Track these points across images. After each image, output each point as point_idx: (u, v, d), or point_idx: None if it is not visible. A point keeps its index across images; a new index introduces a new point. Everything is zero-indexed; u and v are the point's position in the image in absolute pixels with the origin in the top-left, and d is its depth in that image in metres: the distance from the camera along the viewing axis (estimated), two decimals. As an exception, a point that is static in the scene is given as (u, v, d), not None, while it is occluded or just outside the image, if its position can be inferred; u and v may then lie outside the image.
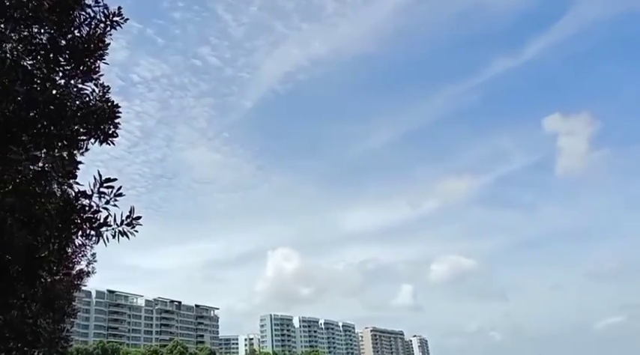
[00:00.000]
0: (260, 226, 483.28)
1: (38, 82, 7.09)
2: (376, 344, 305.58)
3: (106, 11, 7.54)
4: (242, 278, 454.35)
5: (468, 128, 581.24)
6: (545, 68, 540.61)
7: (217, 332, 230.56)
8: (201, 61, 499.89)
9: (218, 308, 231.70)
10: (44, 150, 7.36)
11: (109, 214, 7.06)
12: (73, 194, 7.33)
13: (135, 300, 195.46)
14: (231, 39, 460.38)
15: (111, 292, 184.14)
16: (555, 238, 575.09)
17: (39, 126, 7.06)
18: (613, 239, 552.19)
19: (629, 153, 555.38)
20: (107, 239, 7.09)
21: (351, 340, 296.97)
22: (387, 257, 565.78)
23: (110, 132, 7.89)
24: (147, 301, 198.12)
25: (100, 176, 7.05)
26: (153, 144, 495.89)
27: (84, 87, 7.70)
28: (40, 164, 7.27)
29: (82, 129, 7.74)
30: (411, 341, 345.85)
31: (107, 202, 7.02)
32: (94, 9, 7.50)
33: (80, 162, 8.34)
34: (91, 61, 7.51)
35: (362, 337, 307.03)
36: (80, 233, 7.27)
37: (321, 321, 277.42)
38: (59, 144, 7.56)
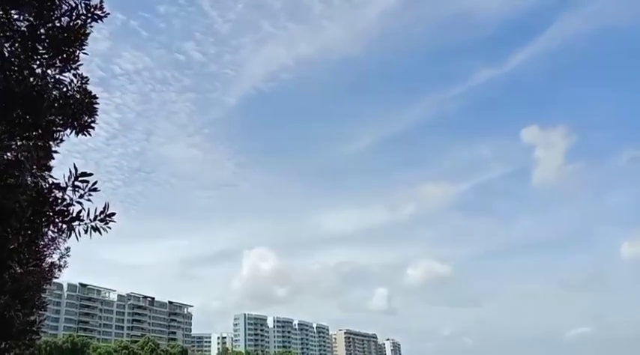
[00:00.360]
0: (238, 225, 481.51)
1: (15, 69, 6.90)
2: (349, 346, 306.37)
3: (87, 3, 7.39)
4: (217, 277, 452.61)
5: (448, 135, 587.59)
6: (525, 80, 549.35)
7: (190, 330, 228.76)
8: (184, 55, 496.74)
9: (192, 306, 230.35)
10: (18, 139, 7.18)
11: (83, 208, 6.92)
12: (47, 186, 7.17)
13: (107, 295, 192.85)
14: (217, 35, 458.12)
15: (83, 285, 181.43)
16: (530, 247, 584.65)
17: (14, 115, 6.88)
18: (585, 250, 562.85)
19: (602, 167, 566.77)
20: (79, 234, 6.94)
21: (324, 342, 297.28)
22: (364, 260, 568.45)
23: (87, 123, 7.74)
24: (119, 296, 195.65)
25: (76, 169, 6.90)
26: (132, 138, 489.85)
27: (62, 77, 7.54)
28: (14, 153, 7.10)
29: (58, 120, 7.58)
30: (384, 344, 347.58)
31: (81, 196, 6.88)
32: (76, 0, 7.35)
33: (55, 152, 8.19)
34: (71, 51, 7.35)
35: (335, 339, 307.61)
36: (52, 226, 7.11)
37: (296, 322, 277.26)
38: (34, 134, 7.39)
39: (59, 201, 6.89)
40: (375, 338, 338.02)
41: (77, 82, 7.71)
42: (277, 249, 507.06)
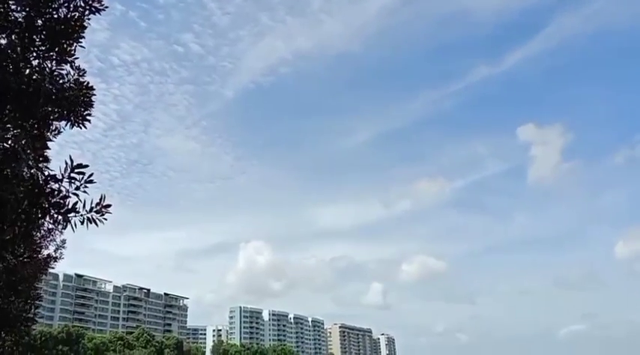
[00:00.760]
0: (234, 218, 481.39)
1: (12, 61, 6.92)
2: (344, 340, 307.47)
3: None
4: (213, 269, 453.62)
5: (445, 132, 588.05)
6: (522, 78, 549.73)
7: (185, 322, 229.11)
8: (183, 47, 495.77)
9: (188, 298, 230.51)
10: (14, 130, 7.20)
11: (79, 200, 6.95)
12: (43, 177, 7.20)
13: (103, 286, 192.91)
14: (215, 27, 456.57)
15: (79, 276, 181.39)
16: (525, 245, 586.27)
17: (9, 107, 6.90)
18: (580, 249, 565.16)
19: (598, 166, 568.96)
20: (75, 225, 6.98)
21: (319, 335, 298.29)
22: (359, 255, 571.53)
23: (83, 115, 7.77)
24: (115, 287, 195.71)
25: (72, 161, 6.93)
26: (129, 129, 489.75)
27: (59, 69, 7.56)
28: (10, 144, 7.12)
29: (54, 112, 7.60)
30: (378, 339, 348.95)
31: (77, 188, 6.90)
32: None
33: (51, 140, 8.22)
34: (68, 43, 7.37)
35: (330, 333, 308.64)
36: (47, 217, 7.14)
37: (291, 316, 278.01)
38: (30, 124, 7.41)
39: (55, 192, 6.92)
40: (370, 332, 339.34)
41: (74, 74, 7.74)
42: (273, 242, 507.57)
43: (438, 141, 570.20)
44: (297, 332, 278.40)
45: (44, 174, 7.12)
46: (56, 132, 8.32)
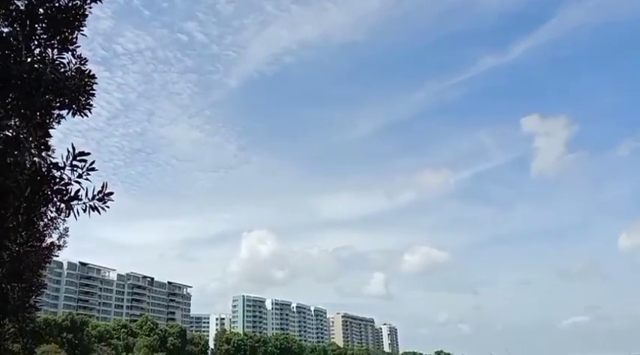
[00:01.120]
0: (237, 207, 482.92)
1: (13, 49, 6.94)
2: (346, 330, 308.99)
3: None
4: (216, 258, 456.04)
5: (449, 123, 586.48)
6: (527, 69, 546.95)
7: (189, 310, 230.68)
8: (187, 36, 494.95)
9: (191, 287, 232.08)
10: (17, 118, 7.24)
11: (81, 188, 7.00)
12: (45, 165, 7.25)
13: (107, 274, 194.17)
14: (219, 16, 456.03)
15: (83, 264, 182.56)
16: (528, 236, 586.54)
17: (11, 95, 6.93)
18: (583, 240, 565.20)
19: (603, 158, 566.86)
20: (77, 213, 7.03)
21: (322, 325, 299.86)
22: (362, 245, 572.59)
23: (85, 104, 7.79)
24: (119, 275, 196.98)
25: (74, 149, 6.97)
26: (133, 118, 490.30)
27: (60, 57, 7.57)
28: (13, 132, 7.16)
29: (56, 100, 7.62)
30: (381, 328, 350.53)
31: (79, 176, 6.95)
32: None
33: (52, 128, 8.25)
34: (69, 31, 7.37)
35: (333, 322, 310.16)
36: (50, 205, 7.20)
37: (294, 305, 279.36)
38: (32, 113, 7.44)
39: (57, 180, 6.97)
40: (373, 322, 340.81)
41: (75, 62, 7.75)
42: (276, 232, 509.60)
43: (442, 132, 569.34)
44: (299, 322, 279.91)
45: (46, 162, 7.16)
46: (58, 120, 8.36)
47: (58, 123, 8.48)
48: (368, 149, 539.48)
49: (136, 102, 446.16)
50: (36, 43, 7.28)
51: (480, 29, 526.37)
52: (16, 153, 6.82)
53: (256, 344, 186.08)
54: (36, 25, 7.20)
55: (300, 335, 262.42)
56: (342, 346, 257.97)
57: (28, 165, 7.04)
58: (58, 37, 7.36)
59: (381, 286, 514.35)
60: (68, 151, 6.92)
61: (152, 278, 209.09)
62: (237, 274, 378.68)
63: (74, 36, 7.51)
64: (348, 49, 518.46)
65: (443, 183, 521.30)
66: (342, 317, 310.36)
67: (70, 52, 7.70)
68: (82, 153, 6.90)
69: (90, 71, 7.96)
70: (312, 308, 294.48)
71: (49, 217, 16.82)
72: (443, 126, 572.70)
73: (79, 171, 6.91)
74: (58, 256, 22.22)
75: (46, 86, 7.33)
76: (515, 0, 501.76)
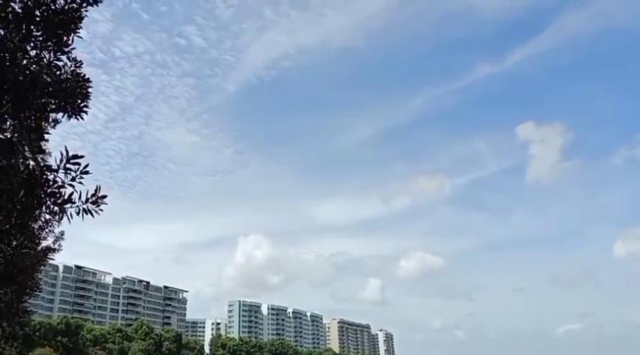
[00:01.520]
0: (234, 211, 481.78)
1: (9, 51, 6.92)
2: (342, 335, 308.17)
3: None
4: (212, 263, 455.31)
5: (445, 130, 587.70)
6: (524, 76, 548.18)
7: (185, 315, 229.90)
8: (185, 40, 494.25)
9: (187, 291, 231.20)
10: (11, 121, 7.22)
11: (75, 191, 6.98)
12: (39, 168, 7.22)
13: (102, 278, 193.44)
14: (218, 20, 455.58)
15: (78, 268, 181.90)
16: (523, 243, 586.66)
17: (7, 97, 6.91)
18: (577, 248, 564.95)
19: (598, 166, 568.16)
20: (71, 216, 7.00)
21: (318, 330, 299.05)
22: (357, 250, 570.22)
23: (80, 107, 7.77)
24: (115, 279, 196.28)
25: (67, 152, 6.95)
26: (130, 121, 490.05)
27: (56, 60, 7.56)
28: (7, 135, 7.14)
29: (51, 103, 7.61)
30: (377, 334, 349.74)
31: (73, 179, 6.93)
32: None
33: (47, 132, 8.23)
34: (65, 34, 7.37)
35: (329, 328, 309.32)
36: (43, 208, 7.17)
37: (290, 310, 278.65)
38: (27, 116, 7.42)
39: (51, 183, 6.95)
40: (369, 328, 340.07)
41: (71, 65, 7.74)
42: (272, 237, 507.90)
43: (438, 139, 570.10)
44: (295, 327, 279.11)
45: (40, 165, 7.14)
46: (53, 123, 8.35)
47: (54, 127, 8.48)
48: (364, 154, 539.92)
49: (133, 105, 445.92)
50: (32, 45, 7.27)
51: (478, 36, 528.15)
52: (9, 155, 6.80)
53: (252, 349, 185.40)
54: (32, 28, 7.19)
55: (296, 341, 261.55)
56: (338, 352, 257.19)
57: (22, 168, 7.02)
58: (53, 40, 7.35)
59: (376, 291, 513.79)
60: (62, 154, 6.91)
61: (148, 283, 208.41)
62: (232, 279, 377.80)
63: (70, 39, 7.51)
64: (346, 54, 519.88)
65: (438, 189, 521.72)
66: (339, 322, 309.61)
67: (65, 55, 7.70)
68: (75, 157, 6.88)
69: (85, 75, 7.95)
70: (309, 314, 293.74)
71: (43, 220, 16.82)
72: (439, 133, 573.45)
73: (73, 174, 6.89)
74: (53, 259, 22.15)
75: (41, 89, 7.32)
76: (513, 7, 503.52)
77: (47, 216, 9.85)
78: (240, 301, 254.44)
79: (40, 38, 7.26)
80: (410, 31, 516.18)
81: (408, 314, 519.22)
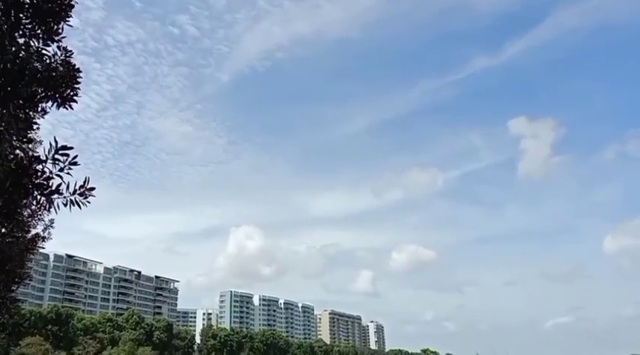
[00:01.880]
0: (226, 202, 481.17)
1: (-3, 39, 6.81)
2: (333, 326, 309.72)
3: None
4: (204, 253, 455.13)
5: (441, 122, 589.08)
6: (519, 70, 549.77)
7: (176, 305, 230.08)
8: (178, 29, 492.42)
9: (178, 281, 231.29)
10: (-1, 109, 7.12)
11: (63, 182, 6.91)
12: (27, 158, 7.14)
13: (93, 267, 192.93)
14: (212, 9, 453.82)
15: (69, 257, 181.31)
16: (515, 236, 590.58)
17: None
18: (568, 242, 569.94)
19: (589, 161, 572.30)
20: (58, 207, 6.94)
21: (309, 321, 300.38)
22: (349, 243, 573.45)
23: (70, 96, 7.68)
24: (106, 268, 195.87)
25: (56, 142, 6.88)
26: (123, 110, 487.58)
27: (45, 48, 7.45)
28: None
29: (40, 92, 7.51)
30: (367, 326, 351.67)
31: (61, 169, 6.86)
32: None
33: (35, 122, 8.13)
34: (54, 22, 7.26)
35: (320, 319, 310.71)
36: (30, 198, 7.10)
37: (281, 301, 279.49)
38: (15, 105, 7.32)
39: (39, 173, 6.88)
40: (360, 319, 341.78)
41: (61, 54, 7.63)
42: (264, 228, 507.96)
43: (433, 131, 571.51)
44: (287, 318, 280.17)
45: (28, 155, 7.06)
46: (42, 113, 8.23)
47: (42, 116, 8.36)
48: (359, 147, 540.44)
49: (125, 94, 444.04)
50: (20, 33, 7.16)
51: (476, 29, 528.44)
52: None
53: (243, 340, 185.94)
54: (21, 15, 7.07)
55: (287, 332, 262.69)
56: (328, 343, 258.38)
57: (9, 157, 6.94)
58: (43, 28, 7.23)
59: (368, 283, 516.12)
60: (50, 145, 6.84)
61: (139, 272, 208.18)
62: (224, 269, 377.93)
63: (60, 27, 7.39)
64: (342, 45, 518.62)
65: (432, 182, 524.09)
66: (330, 314, 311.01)
67: (55, 44, 7.59)
68: (64, 147, 6.81)
69: (75, 64, 7.85)
70: (300, 305, 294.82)
71: (32, 208, 16.69)
72: (435, 125, 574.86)
73: (61, 164, 6.82)
74: (44, 248, 22.01)
75: (30, 76, 7.22)
76: (510, 1, 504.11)
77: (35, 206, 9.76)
78: (231, 292, 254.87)
79: (29, 26, 7.15)
80: (407, 22, 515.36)
81: (400, 306, 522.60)
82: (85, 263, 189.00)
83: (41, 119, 8.78)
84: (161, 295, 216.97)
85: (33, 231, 18.44)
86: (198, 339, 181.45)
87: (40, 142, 10.48)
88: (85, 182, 6.95)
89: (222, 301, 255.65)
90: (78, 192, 6.91)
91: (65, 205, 6.93)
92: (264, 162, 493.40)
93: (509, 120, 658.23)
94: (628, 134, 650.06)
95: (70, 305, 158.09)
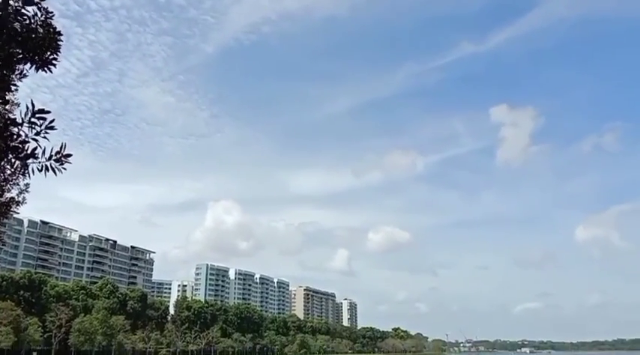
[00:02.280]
0: (205, 175, 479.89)
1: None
2: (308, 302, 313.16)
3: None
4: (181, 226, 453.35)
5: (424, 107, 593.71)
6: (504, 58, 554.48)
7: (151, 276, 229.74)
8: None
9: (154, 252, 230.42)
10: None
11: (39, 146, 6.80)
12: (2, 120, 7.00)
13: (68, 234, 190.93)
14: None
15: (44, 223, 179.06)
16: (490, 222, 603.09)
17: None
18: (542, 230, 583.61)
19: (566, 152, 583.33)
20: (33, 172, 6.85)
21: (284, 296, 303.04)
22: (328, 221, 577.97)
23: (49, 59, 7.50)
24: (81, 236, 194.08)
25: (33, 105, 6.75)
26: (104, 77, 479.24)
27: (24, 8, 7.24)
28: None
29: (19, 53, 7.32)
30: (341, 303, 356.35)
31: (37, 133, 6.75)
32: None
33: (14, 83, 7.94)
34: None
35: (295, 295, 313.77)
36: (5, 162, 6.99)
37: (257, 276, 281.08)
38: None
39: (14, 136, 6.76)
40: (334, 297, 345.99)
41: (41, 15, 7.42)
42: (243, 203, 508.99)
43: (416, 115, 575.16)
44: (262, 292, 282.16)
45: (4, 117, 6.93)
46: (21, 75, 8.04)
47: (20, 79, 8.17)
48: (341, 127, 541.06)
49: (107, 61, 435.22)
50: (-2, -9, 6.94)
51: (464, 15, 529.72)
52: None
53: (217, 313, 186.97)
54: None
55: (261, 306, 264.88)
56: (302, 318, 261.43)
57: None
58: (21, -13, 7.02)
59: (343, 262, 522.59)
60: (27, 108, 6.71)
61: (115, 242, 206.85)
62: (201, 242, 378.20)
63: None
64: (330, 23, 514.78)
65: (411, 166, 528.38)
66: (305, 290, 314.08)
67: (35, 4, 7.37)
68: (41, 111, 6.70)
69: (56, 27, 7.65)
70: (275, 280, 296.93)
71: (7, 172, 16.40)
72: (417, 109, 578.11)
73: (38, 128, 6.71)
74: (18, 213, 21.72)
75: (9, 36, 7.03)
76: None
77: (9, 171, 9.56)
78: (207, 265, 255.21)
79: (8, -16, 6.94)
80: (396, 4, 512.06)
81: (374, 286, 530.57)
82: (60, 230, 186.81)
83: (19, 82, 8.61)
84: (136, 265, 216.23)
85: (7, 195, 18.18)
86: (172, 310, 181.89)
87: (18, 105, 10.28)
88: (61, 148, 6.86)
89: (197, 274, 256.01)
90: (54, 157, 6.82)
91: (40, 170, 6.84)
92: (246, 138, 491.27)
93: (491, 107, 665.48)
94: (605, 127, 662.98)
95: (43, 271, 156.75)
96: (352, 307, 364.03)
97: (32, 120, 6.66)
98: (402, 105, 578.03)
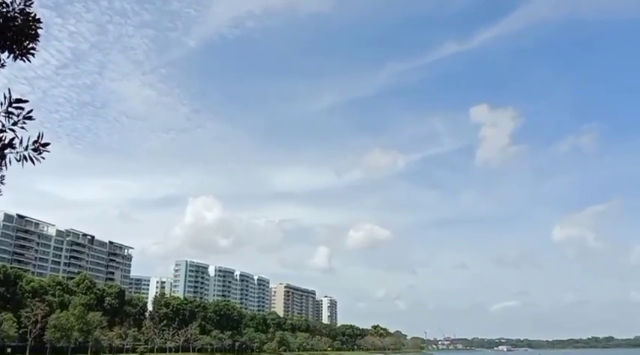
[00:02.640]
0: (186, 171, 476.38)
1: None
2: (288, 300, 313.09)
3: None
4: (160, 221, 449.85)
5: (406, 106, 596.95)
6: (486, 58, 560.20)
7: (129, 271, 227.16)
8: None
9: (133, 248, 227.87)
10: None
11: (16, 136, 6.67)
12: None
13: (45, 229, 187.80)
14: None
15: (20, 217, 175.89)
16: (469, 221, 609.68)
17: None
18: (519, 229, 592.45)
19: (545, 152, 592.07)
20: (10, 162, 6.71)
21: (264, 293, 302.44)
22: (308, 219, 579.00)
23: (28, 48, 7.36)
24: (58, 231, 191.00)
25: (10, 94, 6.62)
26: (83, 69, 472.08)
27: (2, -4, 7.10)
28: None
29: (-4, 41, 7.17)
30: (321, 301, 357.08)
31: (14, 123, 6.62)
32: None
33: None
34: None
35: (275, 292, 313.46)
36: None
37: (237, 273, 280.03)
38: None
39: (-9, 126, 6.62)
40: (314, 294, 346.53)
41: (19, 3, 7.28)
42: (224, 200, 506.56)
43: (397, 114, 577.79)
44: (242, 290, 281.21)
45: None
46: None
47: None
48: (323, 124, 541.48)
49: (87, 52, 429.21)
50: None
51: (447, 14, 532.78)
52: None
53: (196, 309, 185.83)
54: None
55: (241, 303, 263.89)
56: (282, 315, 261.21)
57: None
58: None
59: (324, 260, 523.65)
60: (5, 97, 6.58)
61: (93, 237, 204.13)
62: (180, 238, 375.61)
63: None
64: (313, 20, 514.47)
65: (392, 164, 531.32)
66: (285, 287, 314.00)
67: (13, -8, 7.22)
68: (19, 100, 6.57)
69: (35, 14, 7.51)
70: (256, 278, 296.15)
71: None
72: (399, 108, 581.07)
73: (15, 118, 6.58)
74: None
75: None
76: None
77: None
78: (187, 261, 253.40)
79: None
80: (380, 2, 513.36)
81: (353, 283, 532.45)
82: (36, 224, 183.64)
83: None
84: (114, 261, 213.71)
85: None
86: (150, 307, 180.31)
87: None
88: (39, 137, 6.74)
89: (177, 270, 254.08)
90: (31, 147, 6.69)
91: (18, 161, 6.71)
92: (227, 133, 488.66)
93: (472, 107, 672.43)
94: (583, 128, 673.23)
95: (19, 266, 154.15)
96: (332, 304, 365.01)
97: (9, 109, 6.53)
98: (384, 103, 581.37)
